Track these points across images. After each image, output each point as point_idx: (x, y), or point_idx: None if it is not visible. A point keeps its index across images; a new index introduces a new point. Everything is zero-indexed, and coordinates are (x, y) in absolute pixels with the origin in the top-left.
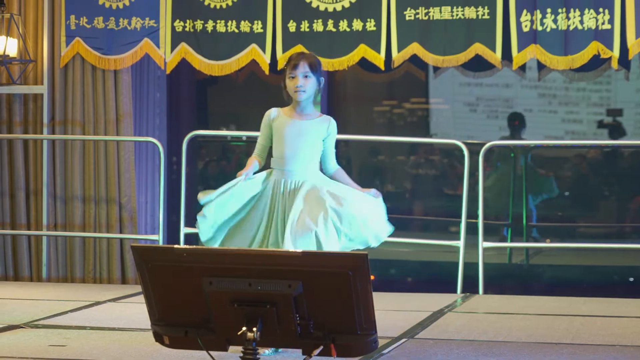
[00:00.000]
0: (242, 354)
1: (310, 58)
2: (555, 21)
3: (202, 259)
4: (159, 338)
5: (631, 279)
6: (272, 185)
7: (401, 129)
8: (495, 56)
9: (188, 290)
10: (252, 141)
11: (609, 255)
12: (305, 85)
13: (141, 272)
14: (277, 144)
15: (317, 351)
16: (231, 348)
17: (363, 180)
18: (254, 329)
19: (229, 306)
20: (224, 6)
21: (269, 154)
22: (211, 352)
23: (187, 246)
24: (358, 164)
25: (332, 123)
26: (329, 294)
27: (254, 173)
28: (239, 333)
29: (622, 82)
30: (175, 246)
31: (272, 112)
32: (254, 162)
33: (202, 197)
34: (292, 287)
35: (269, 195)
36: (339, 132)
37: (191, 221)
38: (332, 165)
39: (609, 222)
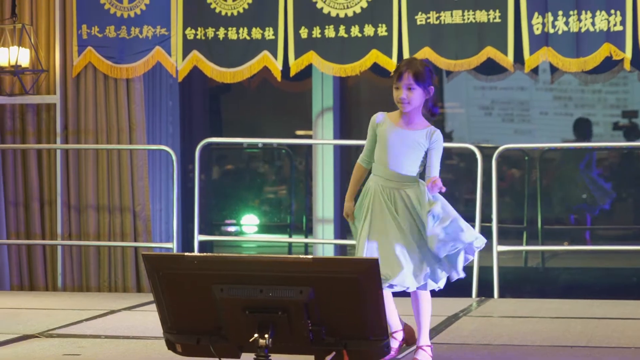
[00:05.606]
0: None
1: (417, 67)
2: (566, 23)
3: (213, 267)
4: (171, 346)
5: None
6: (373, 194)
7: None
8: (507, 59)
9: (200, 297)
10: (267, 148)
11: (626, 257)
12: (408, 97)
13: (153, 281)
14: (380, 150)
15: (329, 357)
16: (243, 355)
17: None
18: (266, 335)
19: (240, 313)
20: (235, 13)
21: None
22: None
23: (198, 254)
24: None
25: (436, 134)
26: (340, 300)
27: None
28: (251, 340)
29: (638, 83)
30: (186, 254)
31: (378, 117)
32: (358, 174)
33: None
34: (304, 293)
35: (372, 201)
36: (353, 138)
37: (205, 229)
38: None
39: (626, 225)
